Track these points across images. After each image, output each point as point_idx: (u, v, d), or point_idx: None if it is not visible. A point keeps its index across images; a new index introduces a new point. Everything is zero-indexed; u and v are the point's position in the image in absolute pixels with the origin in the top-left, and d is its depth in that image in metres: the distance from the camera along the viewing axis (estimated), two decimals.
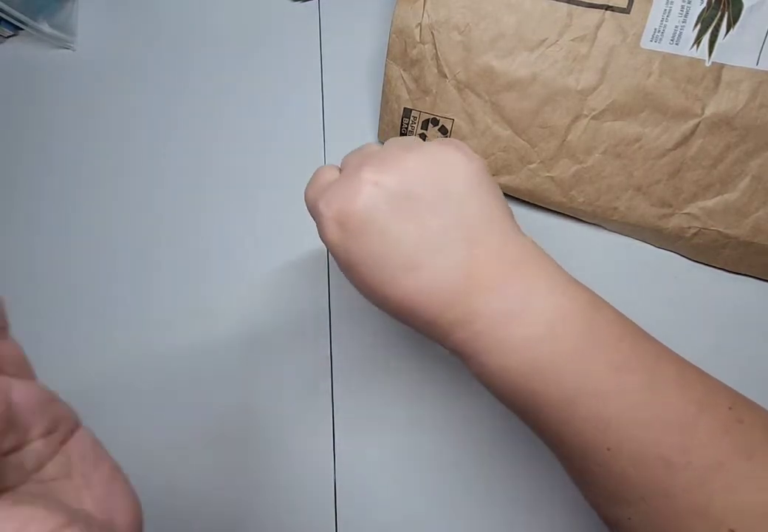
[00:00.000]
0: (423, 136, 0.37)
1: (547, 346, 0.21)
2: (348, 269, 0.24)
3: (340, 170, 0.25)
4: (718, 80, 0.31)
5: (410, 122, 0.37)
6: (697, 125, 0.32)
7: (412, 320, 0.23)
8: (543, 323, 0.21)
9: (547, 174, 0.35)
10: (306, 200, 0.25)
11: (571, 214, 0.37)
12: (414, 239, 0.22)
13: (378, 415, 0.34)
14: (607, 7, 0.32)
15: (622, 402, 0.20)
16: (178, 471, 0.34)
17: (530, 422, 0.22)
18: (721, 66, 0.31)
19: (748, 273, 0.35)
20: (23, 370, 0.18)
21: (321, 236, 0.24)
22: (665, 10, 0.32)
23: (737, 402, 0.21)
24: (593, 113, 0.33)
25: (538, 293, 0.22)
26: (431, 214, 0.22)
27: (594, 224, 0.38)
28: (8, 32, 0.45)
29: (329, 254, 0.24)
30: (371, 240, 0.22)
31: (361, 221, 0.22)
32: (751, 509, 0.18)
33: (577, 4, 0.32)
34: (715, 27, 0.31)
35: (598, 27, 0.32)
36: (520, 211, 0.38)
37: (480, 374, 0.22)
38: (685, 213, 0.34)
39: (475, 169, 0.23)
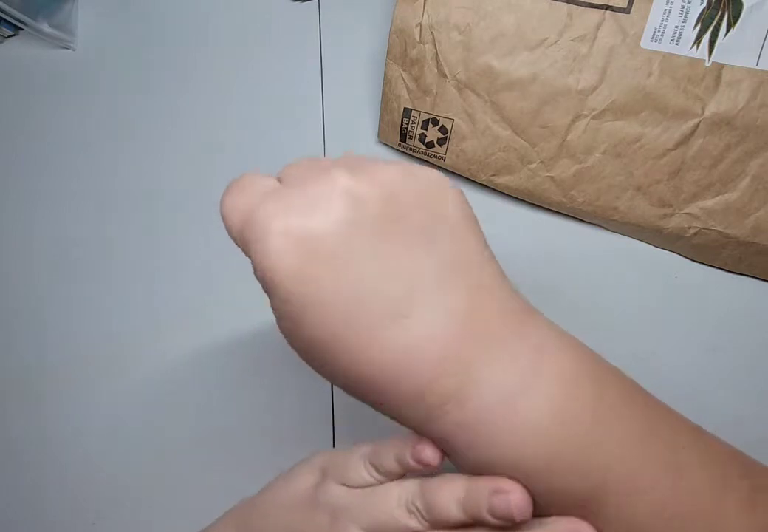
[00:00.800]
0: (423, 136, 0.37)
1: (566, 425, 0.16)
2: (300, 313, 0.16)
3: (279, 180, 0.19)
4: (718, 80, 0.31)
5: (410, 122, 0.37)
6: (697, 125, 0.32)
7: (388, 391, 0.17)
8: (560, 395, 0.16)
9: (547, 174, 0.35)
10: (227, 212, 0.18)
11: (571, 214, 0.37)
12: (404, 277, 0.16)
13: (378, 415, 0.34)
14: (607, 7, 0.32)
15: (646, 497, 0.17)
16: (176, 473, 0.34)
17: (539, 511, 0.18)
18: (721, 66, 0.31)
19: (748, 273, 0.35)
20: None
21: (260, 263, 0.16)
22: (665, 10, 0.32)
23: (746, 465, 0.18)
24: (593, 113, 0.33)
25: (547, 355, 0.17)
26: (424, 244, 0.17)
27: (594, 224, 0.38)
28: (8, 32, 0.45)
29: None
30: (344, 274, 0.16)
31: (332, 249, 0.16)
32: None
33: (577, 4, 0.32)
34: (715, 27, 0.31)
35: (598, 27, 0.32)
36: (520, 211, 0.38)
37: (475, 470, 0.17)
38: (685, 213, 0.34)
39: (464, 199, 0.19)
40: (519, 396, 0.16)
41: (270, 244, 0.16)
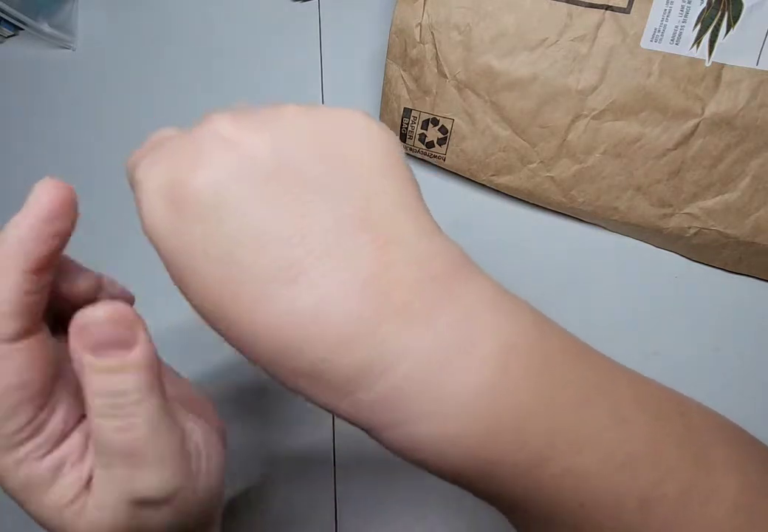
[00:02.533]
0: (423, 136, 0.37)
1: (503, 396, 0.14)
2: (179, 274, 0.15)
3: None
4: (718, 80, 0.31)
5: (410, 122, 0.37)
6: (697, 125, 0.32)
7: (286, 367, 0.15)
8: (493, 364, 0.14)
9: (547, 174, 0.35)
10: (126, 167, 0.17)
11: (571, 214, 0.37)
12: (290, 233, 0.14)
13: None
14: (607, 7, 0.32)
15: (597, 447, 0.15)
16: None
17: (478, 491, 0.16)
18: (721, 66, 0.31)
19: (748, 273, 0.35)
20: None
21: (142, 223, 0.15)
22: (665, 10, 0.32)
23: (683, 404, 0.18)
24: (593, 113, 0.33)
25: (479, 319, 0.15)
26: (319, 196, 0.15)
27: (594, 224, 0.38)
28: (8, 32, 0.45)
29: None
30: (221, 232, 0.14)
31: (203, 202, 0.14)
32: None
33: (577, 4, 0.32)
34: (715, 27, 0.31)
35: (598, 27, 0.32)
36: (520, 211, 0.38)
37: (402, 449, 0.15)
38: (685, 213, 0.34)
39: (392, 142, 0.16)
40: (445, 367, 0.14)
41: (144, 201, 0.15)
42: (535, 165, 0.36)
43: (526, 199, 0.37)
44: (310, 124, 0.16)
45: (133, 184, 0.16)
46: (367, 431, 0.15)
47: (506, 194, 0.38)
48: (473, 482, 0.16)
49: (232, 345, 0.16)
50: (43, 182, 0.17)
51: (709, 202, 0.34)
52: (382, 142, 0.16)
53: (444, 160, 0.37)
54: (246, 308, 0.14)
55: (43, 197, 0.17)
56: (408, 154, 0.39)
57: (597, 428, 0.15)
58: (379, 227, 0.15)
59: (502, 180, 0.37)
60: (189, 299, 0.16)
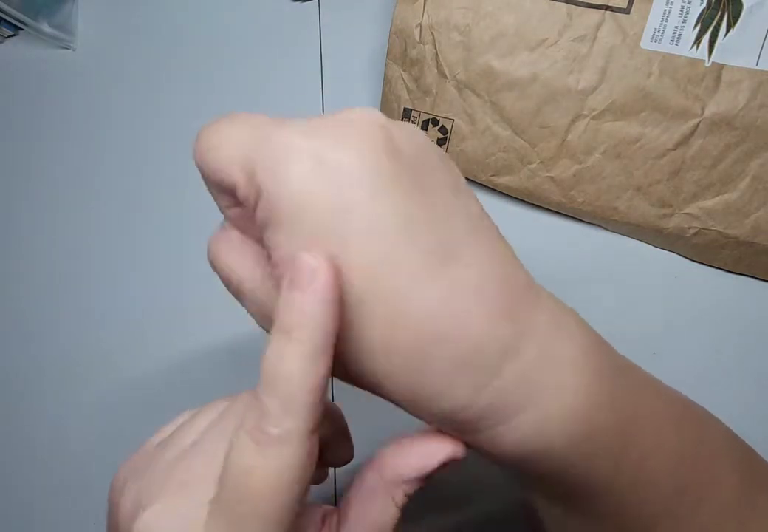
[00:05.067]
0: None
1: (602, 377, 0.16)
2: (331, 248, 0.14)
3: None
4: (718, 80, 0.31)
5: (410, 122, 0.37)
6: (697, 125, 0.32)
7: (444, 346, 0.14)
8: (589, 349, 0.16)
9: (547, 174, 0.35)
10: (222, 143, 0.16)
11: (571, 214, 0.37)
12: (443, 221, 0.15)
13: (378, 414, 0.34)
14: (607, 7, 0.32)
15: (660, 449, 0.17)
16: None
17: (567, 478, 0.16)
18: (721, 66, 0.31)
19: (747, 273, 0.35)
20: None
21: (277, 190, 0.14)
22: (665, 10, 0.32)
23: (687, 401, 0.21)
24: (593, 113, 0.33)
25: (564, 310, 0.17)
26: (452, 194, 0.16)
27: (594, 224, 0.38)
28: (8, 32, 0.45)
29: None
30: (382, 207, 0.14)
31: (371, 177, 0.14)
32: None
33: (577, 4, 0.32)
34: (715, 27, 0.31)
35: (598, 27, 0.32)
36: (520, 211, 0.38)
37: (524, 438, 0.15)
38: (685, 213, 0.34)
39: None
40: (558, 344, 0.15)
41: (296, 166, 0.14)
42: (535, 165, 0.36)
43: (526, 199, 0.37)
44: (435, 147, 0.16)
45: (256, 156, 0.14)
46: (482, 428, 0.15)
47: (506, 194, 0.38)
48: (568, 466, 0.16)
49: (359, 361, 0.15)
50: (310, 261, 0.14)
51: (709, 202, 0.34)
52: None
53: None
54: (404, 284, 0.14)
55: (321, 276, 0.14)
56: None
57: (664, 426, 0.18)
58: (494, 228, 0.17)
59: (502, 180, 0.37)
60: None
